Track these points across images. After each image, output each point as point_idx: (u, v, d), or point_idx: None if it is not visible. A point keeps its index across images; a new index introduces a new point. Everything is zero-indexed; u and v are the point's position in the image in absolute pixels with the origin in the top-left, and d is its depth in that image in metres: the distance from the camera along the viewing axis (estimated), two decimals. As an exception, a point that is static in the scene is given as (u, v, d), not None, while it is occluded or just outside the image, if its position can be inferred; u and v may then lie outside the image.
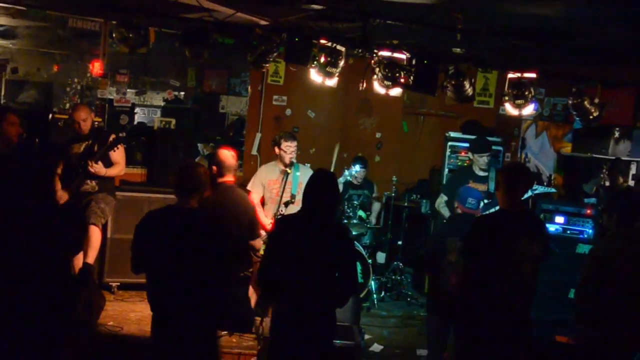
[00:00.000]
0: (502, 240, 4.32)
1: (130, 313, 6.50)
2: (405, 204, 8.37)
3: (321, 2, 5.38)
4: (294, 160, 6.57)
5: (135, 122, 9.87)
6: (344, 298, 4.39)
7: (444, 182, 7.94)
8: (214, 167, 5.51)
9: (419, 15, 5.75)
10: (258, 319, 6.32)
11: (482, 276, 4.31)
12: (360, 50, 5.99)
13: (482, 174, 7.09)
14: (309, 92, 8.31)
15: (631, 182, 7.13)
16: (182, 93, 11.72)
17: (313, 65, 6.05)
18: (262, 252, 6.21)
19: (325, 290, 4.22)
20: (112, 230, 7.01)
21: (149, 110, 11.20)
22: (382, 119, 9.41)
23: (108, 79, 9.46)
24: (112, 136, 6.50)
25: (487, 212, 5.79)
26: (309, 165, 7.46)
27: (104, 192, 6.54)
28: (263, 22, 6.61)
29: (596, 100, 6.37)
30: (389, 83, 5.86)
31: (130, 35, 5.85)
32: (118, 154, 6.51)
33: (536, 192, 7.14)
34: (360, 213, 7.95)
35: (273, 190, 6.62)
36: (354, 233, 7.49)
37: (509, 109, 6.35)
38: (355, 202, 7.89)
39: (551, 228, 6.66)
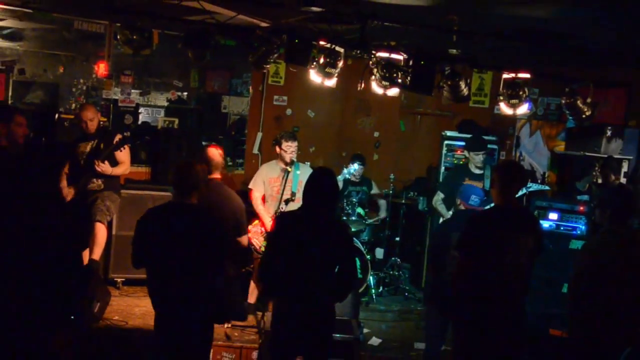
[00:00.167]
0: (497, 235, 4.32)
1: (134, 308, 6.52)
2: (403, 202, 8.38)
3: (320, 5, 5.38)
4: (294, 159, 6.58)
5: (140, 122, 9.86)
6: (343, 293, 4.40)
7: (441, 180, 7.93)
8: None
9: (416, 17, 5.75)
10: (259, 313, 6.34)
11: (477, 270, 4.31)
12: (358, 52, 6.00)
13: (477, 171, 7.09)
14: (308, 92, 8.31)
15: (623, 180, 7.14)
16: (185, 93, 11.69)
17: (313, 66, 6.05)
18: (262, 248, 6.24)
19: (325, 286, 4.23)
20: (117, 227, 7.02)
21: (152, 111, 11.17)
22: (380, 119, 9.40)
23: (113, 79, 9.45)
24: (118, 136, 6.50)
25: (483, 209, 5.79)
26: (308, 163, 7.47)
27: (109, 190, 6.55)
28: (264, 24, 6.61)
29: (589, 100, 6.37)
30: (387, 83, 5.86)
31: (135, 37, 5.86)
32: (123, 154, 6.51)
33: (530, 189, 7.15)
34: (359, 210, 7.96)
35: (274, 188, 6.62)
36: (352, 230, 7.49)
37: (504, 108, 6.36)
38: (354, 199, 7.89)
39: (545, 224, 6.66)
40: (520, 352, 4.52)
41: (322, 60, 5.96)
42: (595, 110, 6.41)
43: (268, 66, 6.64)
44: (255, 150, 9.04)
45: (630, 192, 5.11)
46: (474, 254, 4.33)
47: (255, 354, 5.83)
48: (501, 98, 6.29)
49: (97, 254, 6.29)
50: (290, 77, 8.56)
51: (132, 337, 5.83)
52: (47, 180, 3.88)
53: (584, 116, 6.40)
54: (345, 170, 7.50)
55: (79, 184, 6.39)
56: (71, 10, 7.54)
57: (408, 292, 8.04)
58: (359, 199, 8.02)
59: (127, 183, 7.29)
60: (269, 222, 6.42)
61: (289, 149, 6.53)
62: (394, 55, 5.89)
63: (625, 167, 7.22)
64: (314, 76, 6.12)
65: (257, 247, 6.50)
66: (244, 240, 5.64)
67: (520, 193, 6.72)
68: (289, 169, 6.51)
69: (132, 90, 10.08)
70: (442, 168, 8.16)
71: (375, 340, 6.42)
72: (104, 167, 6.36)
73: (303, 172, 6.51)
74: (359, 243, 7.51)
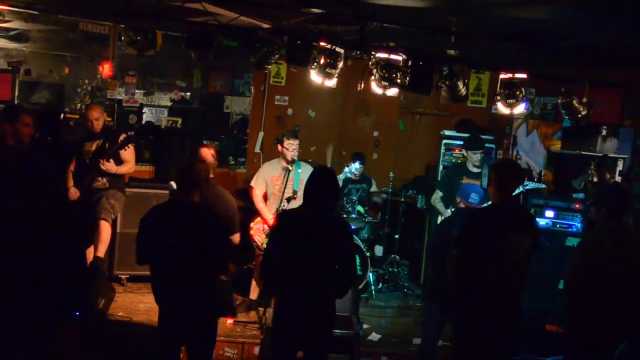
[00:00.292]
0: (494, 232, 4.32)
1: (139, 304, 6.52)
2: (402, 199, 8.37)
3: (321, 6, 5.37)
4: (295, 158, 6.58)
5: (144, 122, 9.87)
6: (343, 289, 4.40)
7: (439, 178, 7.93)
8: None
9: (415, 18, 5.74)
10: (261, 309, 6.35)
11: (475, 267, 4.31)
12: (358, 52, 5.98)
13: (475, 170, 7.08)
14: (309, 92, 8.31)
15: (618, 178, 7.13)
16: (188, 94, 11.70)
17: (313, 67, 6.05)
18: (264, 245, 6.24)
19: (326, 282, 4.23)
20: (122, 225, 7.02)
21: (156, 110, 11.19)
22: (379, 118, 9.40)
23: (117, 80, 9.46)
24: (123, 135, 6.51)
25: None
26: (309, 162, 7.46)
27: (114, 188, 6.55)
28: (265, 26, 6.60)
29: (584, 100, 6.36)
30: (386, 83, 5.86)
31: (139, 38, 5.86)
32: (128, 153, 6.52)
33: (527, 187, 7.15)
34: (359, 208, 7.95)
35: (275, 186, 6.62)
36: (352, 227, 7.49)
37: (501, 108, 6.35)
38: (354, 197, 7.89)
39: (541, 222, 6.67)
40: (515, 347, 4.53)
41: (322, 61, 5.95)
42: (590, 109, 6.40)
43: (269, 67, 6.64)
44: (257, 149, 9.04)
45: (625, 190, 5.11)
46: (471, 251, 4.33)
47: (257, 350, 5.84)
48: (498, 98, 6.28)
49: (102, 251, 6.30)
50: (291, 77, 8.55)
51: (137, 332, 5.84)
52: (52, 179, 3.89)
53: (579, 116, 6.40)
54: (346, 169, 7.50)
55: (85, 182, 6.40)
56: (76, 12, 7.53)
57: (407, 288, 8.04)
58: (359, 197, 8.02)
59: (131, 181, 7.29)
60: (270, 219, 6.42)
61: (291, 147, 6.53)
62: (393, 56, 5.88)
63: (620, 166, 7.21)
64: (315, 76, 6.12)
65: (259, 244, 6.51)
66: (235, 238, 5.65)
67: (517, 191, 6.72)
68: (290, 168, 6.51)
69: (136, 91, 10.09)
70: (441, 167, 8.15)
71: (374, 336, 6.42)
72: (109, 166, 6.36)
73: (304, 171, 6.51)
74: (359, 240, 7.50)
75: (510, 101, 6.22)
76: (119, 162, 6.51)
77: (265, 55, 6.10)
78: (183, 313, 4.32)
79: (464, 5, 5.23)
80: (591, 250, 4.58)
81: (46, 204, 3.70)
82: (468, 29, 5.91)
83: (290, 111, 9.09)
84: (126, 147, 6.41)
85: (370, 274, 7.64)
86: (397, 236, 8.32)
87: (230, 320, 6.22)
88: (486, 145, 7.47)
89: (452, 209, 6.54)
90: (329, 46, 5.92)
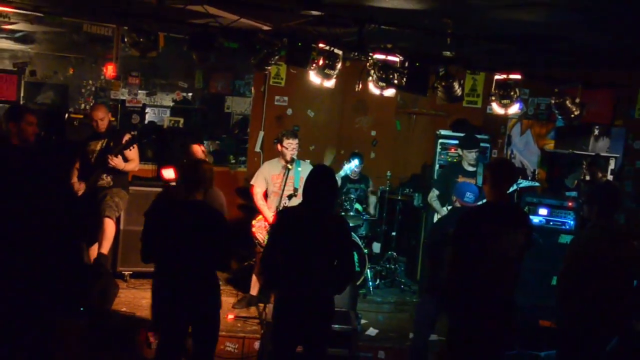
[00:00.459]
0: (489, 230, 4.32)
1: (142, 300, 6.52)
2: (399, 198, 8.37)
3: (320, 9, 5.37)
4: (295, 157, 6.58)
5: (146, 122, 9.86)
6: (342, 285, 4.40)
7: (435, 177, 7.93)
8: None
9: (411, 20, 5.74)
10: (261, 305, 6.35)
11: (470, 264, 4.31)
12: (356, 54, 5.98)
13: (470, 169, 7.09)
14: (308, 92, 8.32)
15: (610, 177, 7.14)
16: (190, 94, 11.67)
17: (312, 68, 6.05)
18: (264, 242, 6.24)
19: (325, 278, 4.23)
20: (125, 222, 7.02)
21: (159, 110, 11.16)
22: (377, 118, 9.40)
23: (120, 81, 9.45)
24: (128, 135, 6.52)
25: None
26: (309, 161, 7.46)
27: (118, 187, 6.55)
28: (265, 28, 6.60)
29: (577, 100, 6.37)
30: (383, 84, 5.86)
31: (141, 40, 5.85)
32: (132, 152, 6.54)
33: (521, 185, 7.15)
34: (357, 206, 7.96)
35: (276, 184, 6.62)
36: (351, 224, 7.49)
37: (496, 108, 6.35)
38: (352, 195, 7.89)
39: (535, 219, 6.67)
40: (510, 342, 4.53)
41: (321, 62, 5.95)
42: (583, 110, 6.41)
43: (269, 68, 6.64)
44: (257, 149, 9.04)
45: (617, 189, 5.12)
46: (466, 249, 4.33)
47: (257, 344, 5.84)
48: (493, 98, 6.29)
49: (106, 248, 6.29)
50: (290, 78, 8.55)
51: (140, 327, 5.83)
52: (53, 177, 3.88)
53: (572, 116, 6.40)
54: (345, 167, 7.51)
55: (89, 180, 6.39)
56: (80, 14, 7.52)
57: (404, 284, 8.04)
58: (357, 196, 8.02)
59: (134, 180, 7.29)
60: (269, 217, 6.42)
61: (290, 146, 6.53)
62: (390, 57, 5.88)
63: (612, 165, 7.22)
64: (314, 77, 6.12)
65: (261, 241, 6.51)
66: None
67: (511, 189, 6.73)
68: (290, 167, 6.51)
69: (139, 91, 10.08)
70: (437, 165, 8.15)
71: (372, 331, 6.43)
72: (117, 161, 6.37)
73: (304, 169, 6.51)
74: (357, 237, 7.51)
75: (504, 101, 6.22)
76: (124, 160, 6.52)
77: (265, 56, 6.09)
78: (186, 309, 4.32)
79: (459, 8, 5.22)
80: (583, 248, 4.58)
81: (46, 202, 3.69)
82: (463, 31, 5.90)
83: (289, 111, 9.09)
84: (131, 148, 6.42)
85: (368, 271, 7.64)
86: (394, 234, 8.32)
87: (231, 316, 6.22)
88: (481, 144, 7.48)
89: (448, 207, 6.54)
90: (327, 48, 5.92)
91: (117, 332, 5.76)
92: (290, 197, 6.39)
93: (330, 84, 6.13)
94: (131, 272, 7.11)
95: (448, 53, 6.62)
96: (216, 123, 10.75)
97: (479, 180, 6.82)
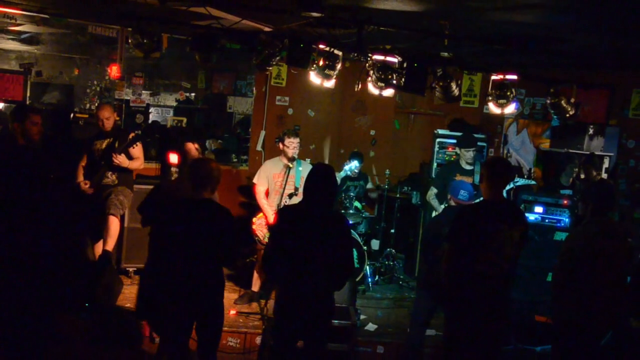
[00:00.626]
0: (485, 227, 4.32)
1: (145, 296, 6.51)
2: (398, 196, 8.37)
3: (320, 10, 5.36)
4: (296, 156, 6.58)
5: (150, 121, 9.87)
6: (341, 282, 4.40)
7: (433, 175, 7.93)
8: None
9: (410, 22, 5.73)
10: (263, 301, 6.35)
11: (466, 260, 4.31)
12: (355, 54, 5.98)
13: (468, 167, 7.08)
14: (309, 93, 8.32)
15: (604, 175, 7.14)
16: (193, 94, 11.71)
17: (313, 68, 6.05)
18: (266, 239, 6.24)
19: (325, 275, 4.23)
20: (129, 220, 7.02)
21: (162, 110, 11.20)
22: (376, 118, 9.40)
23: (125, 81, 9.48)
24: (132, 134, 6.52)
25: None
26: (309, 160, 7.46)
27: (122, 185, 6.55)
28: (267, 29, 6.59)
29: (572, 100, 6.37)
30: (382, 84, 5.86)
31: (145, 41, 5.84)
32: (137, 150, 6.54)
33: (517, 184, 7.15)
34: (356, 204, 7.96)
35: (277, 183, 6.62)
36: (350, 222, 7.49)
37: (492, 108, 6.35)
38: (351, 193, 7.89)
39: (531, 217, 6.66)
40: (506, 337, 4.53)
41: (321, 63, 5.95)
42: (578, 109, 6.41)
43: (271, 68, 6.63)
44: (259, 148, 9.03)
45: (611, 187, 5.11)
46: (463, 245, 4.33)
47: (258, 339, 5.84)
48: (490, 98, 6.28)
49: (111, 245, 6.29)
50: (291, 78, 8.55)
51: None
52: (42, 173, 3.85)
53: (567, 115, 6.40)
54: (346, 167, 7.51)
55: (95, 178, 6.40)
56: (86, 16, 7.52)
57: (402, 280, 8.04)
58: (357, 194, 8.02)
59: (138, 178, 7.29)
60: (271, 215, 6.42)
61: (291, 144, 6.53)
62: (389, 58, 5.88)
63: (606, 163, 7.22)
64: (314, 78, 6.12)
65: (262, 239, 6.51)
66: None
67: (507, 187, 6.72)
68: (291, 165, 6.52)
69: (143, 91, 10.11)
70: (435, 164, 8.15)
71: (371, 326, 6.43)
72: (121, 159, 6.37)
73: (305, 169, 6.51)
74: (356, 235, 7.50)
75: (501, 101, 6.22)
76: (129, 159, 6.52)
77: (266, 57, 6.09)
78: (192, 305, 4.33)
79: (457, 10, 5.22)
80: (578, 244, 4.58)
81: (47, 201, 3.67)
82: (461, 32, 5.90)
83: (290, 111, 9.08)
84: (134, 145, 6.42)
85: (367, 267, 7.64)
86: (392, 231, 8.31)
87: (233, 312, 6.22)
88: (478, 143, 7.47)
89: (446, 205, 6.53)
90: (327, 49, 5.91)
91: (121, 327, 5.75)
92: (291, 195, 6.39)
93: (330, 84, 6.13)
94: (135, 269, 7.10)
95: (446, 54, 6.63)
96: (218, 122, 10.77)
97: (476, 179, 6.82)
